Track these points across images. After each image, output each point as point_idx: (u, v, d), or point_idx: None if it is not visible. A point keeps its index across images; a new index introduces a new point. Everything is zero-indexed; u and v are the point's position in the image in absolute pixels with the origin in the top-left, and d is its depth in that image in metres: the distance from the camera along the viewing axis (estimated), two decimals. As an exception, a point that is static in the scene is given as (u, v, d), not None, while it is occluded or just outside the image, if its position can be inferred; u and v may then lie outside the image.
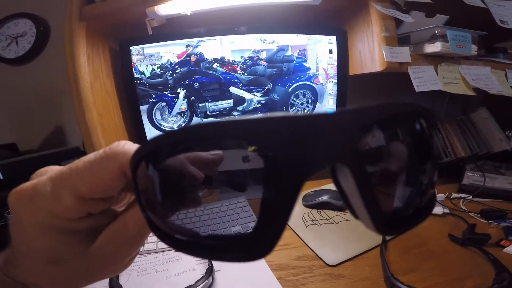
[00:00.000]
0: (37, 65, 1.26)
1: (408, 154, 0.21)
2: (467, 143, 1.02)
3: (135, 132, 0.93)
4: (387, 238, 0.66)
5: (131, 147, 0.22)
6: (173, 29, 0.94)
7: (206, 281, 0.53)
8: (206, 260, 0.59)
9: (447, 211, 0.79)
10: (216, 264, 0.57)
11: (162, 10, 0.83)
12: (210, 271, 0.55)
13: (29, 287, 0.24)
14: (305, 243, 0.68)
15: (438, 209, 0.79)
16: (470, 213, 0.79)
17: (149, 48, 0.87)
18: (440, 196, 0.88)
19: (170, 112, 0.91)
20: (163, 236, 0.20)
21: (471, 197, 0.89)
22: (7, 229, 0.23)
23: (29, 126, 1.31)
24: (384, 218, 0.20)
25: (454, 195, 0.90)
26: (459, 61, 0.90)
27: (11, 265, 0.23)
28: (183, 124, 0.93)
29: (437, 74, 0.85)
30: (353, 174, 0.18)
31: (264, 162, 0.16)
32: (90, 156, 0.22)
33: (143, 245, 0.65)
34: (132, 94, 0.89)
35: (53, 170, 0.23)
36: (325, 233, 0.71)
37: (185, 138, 0.18)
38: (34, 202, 0.21)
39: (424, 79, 0.83)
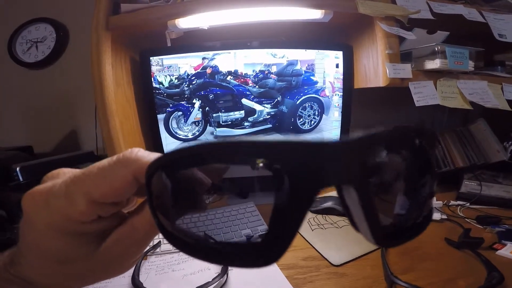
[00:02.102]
0: (55, 70, 1.28)
1: (411, 174, 0.23)
2: (465, 153, 1.04)
3: (152, 139, 0.96)
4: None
5: (144, 154, 0.22)
6: (190, 41, 0.98)
7: (221, 279, 0.56)
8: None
9: (444, 217, 0.82)
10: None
11: (182, 23, 0.88)
12: (225, 270, 0.58)
13: (36, 285, 0.24)
14: (311, 245, 0.71)
15: (436, 215, 0.82)
16: (466, 219, 0.82)
17: (168, 60, 0.90)
18: (438, 203, 0.91)
19: (185, 121, 0.95)
20: (174, 241, 0.20)
21: (468, 204, 0.92)
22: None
23: (45, 130, 1.33)
24: (384, 233, 0.21)
25: (452, 202, 0.94)
26: (457, 76, 0.93)
27: (19, 264, 0.24)
28: (197, 133, 0.96)
29: (436, 89, 0.88)
30: (359, 194, 0.19)
31: (281, 179, 0.17)
32: (104, 162, 0.22)
33: (160, 246, 0.69)
34: (150, 103, 0.92)
35: (65, 173, 0.24)
36: (329, 236, 0.74)
37: (204, 155, 0.19)
38: (48, 205, 0.21)
39: (424, 94, 0.86)
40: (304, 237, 0.74)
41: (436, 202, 0.91)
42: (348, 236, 0.74)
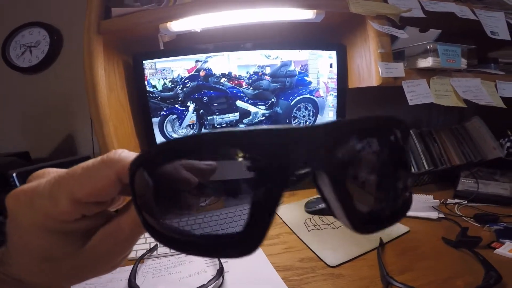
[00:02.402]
0: (49, 75, 1.27)
1: (381, 161, 0.23)
2: (461, 151, 1.04)
3: (147, 143, 0.96)
4: (384, 241, 0.69)
5: (127, 154, 0.22)
6: (182, 44, 0.98)
7: (217, 281, 0.57)
8: (216, 262, 0.62)
9: (442, 215, 0.82)
10: (226, 265, 0.61)
11: (174, 26, 0.88)
12: (220, 272, 0.58)
13: (25, 284, 0.24)
14: (307, 246, 0.70)
15: (433, 214, 0.82)
16: (464, 218, 0.82)
17: (161, 63, 0.90)
18: (435, 202, 0.90)
19: (180, 125, 0.94)
20: (159, 237, 0.21)
21: (465, 202, 0.91)
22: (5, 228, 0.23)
23: (41, 135, 1.32)
24: (360, 218, 0.21)
25: (449, 200, 0.93)
26: (450, 73, 0.93)
27: (7, 263, 0.24)
28: (192, 136, 0.96)
29: (429, 87, 0.88)
30: (330, 179, 0.19)
31: (252, 168, 0.18)
32: (88, 162, 0.22)
33: (156, 249, 0.68)
34: (144, 107, 0.92)
35: (50, 173, 0.24)
36: (326, 237, 0.74)
37: (179, 148, 0.19)
38: (33, 204, 0.22)
39: (417, 93, 0.86)
40: (300, 238, 0.74)
41: (433, 201, 0.91)
42: (345, 236, 0.73)
